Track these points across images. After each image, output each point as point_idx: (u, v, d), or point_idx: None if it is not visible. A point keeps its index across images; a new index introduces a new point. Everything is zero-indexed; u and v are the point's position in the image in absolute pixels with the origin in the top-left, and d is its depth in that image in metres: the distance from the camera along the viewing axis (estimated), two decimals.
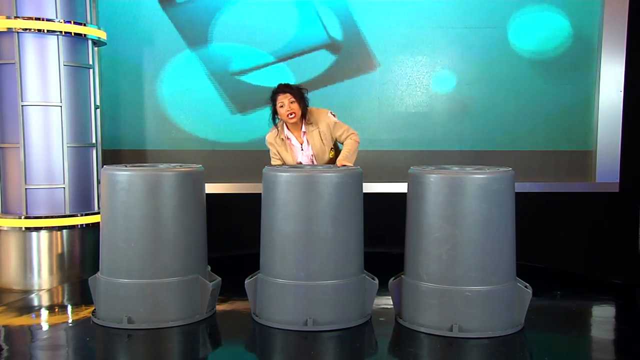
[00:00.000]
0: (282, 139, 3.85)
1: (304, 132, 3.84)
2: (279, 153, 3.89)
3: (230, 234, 5.02)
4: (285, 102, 3.72)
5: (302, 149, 3.85)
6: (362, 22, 5.26)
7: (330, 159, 3.91)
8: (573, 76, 5.29)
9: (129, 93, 5.25)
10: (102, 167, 3.40)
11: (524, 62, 5.28)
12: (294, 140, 3.86)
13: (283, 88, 3.77)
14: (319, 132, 3.82)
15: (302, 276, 3.15)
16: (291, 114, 3.73)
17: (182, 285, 3.27)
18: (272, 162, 3.93)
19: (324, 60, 5.27)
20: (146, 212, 3.21)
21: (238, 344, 3.19)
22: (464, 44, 5.28)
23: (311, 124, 3.83)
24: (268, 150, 3.97)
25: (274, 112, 3.82)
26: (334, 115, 3.89)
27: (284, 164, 3.90)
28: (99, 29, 4.53)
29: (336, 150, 3.96)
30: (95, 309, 3.39)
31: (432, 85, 5.33)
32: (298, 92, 3.77)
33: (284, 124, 3.85)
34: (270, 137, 3.90)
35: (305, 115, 3.80)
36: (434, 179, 3.09)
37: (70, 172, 4.34)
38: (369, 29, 5.26)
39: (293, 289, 3.16)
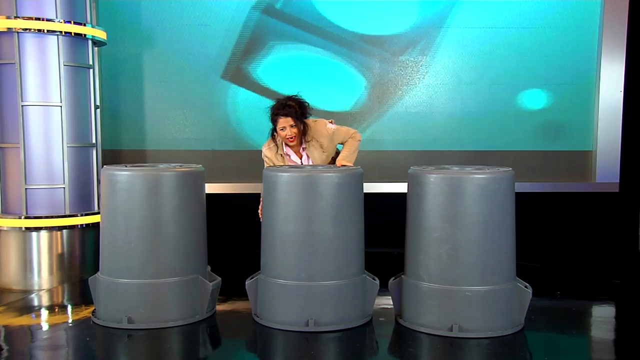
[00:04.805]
0: (282, 154, 3.82)
1: (304, 148, 3.82)
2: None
3: (230, 234, 5.02)
4: (287, 127, 3.66)
5: (302, 164, 3.84)
6: (363, 22, 5.27)
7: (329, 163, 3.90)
8: (573, 76, 5.30)
9: (129, 93, 5.26)
10: (102, 167, 3.40)
11: (524, 62, 5.28)
12: (293, 156, 3.84)
13: (284, 110, 3.66)
14: (320, 145, 3.79)
15: (303, 277, 3.14)
16: (291, 138, 3.70)
17: (182, 285, 3.28)
18: None
19: (324, 60, 5.28)
20: (146, 212, 3.21)
21: (238, 344, 3.19)
22: (464, 44, 5.28)
23: (311, 139, 3.78)
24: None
25: (274, 129, 3.76)
26: (332, 123, 3.85)
27: None
28: (99, 29, 4.53)
29: (335, 153, 3.94)
30: (95, 309, 3.39)
31: (432, 85, 5.33)
32: (297, 112, 3.68)
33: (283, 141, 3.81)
34: (269, 152, 3.83)
35: (305, 132, 3.76)
36: (434, 179, 3.09)
37: (70, 172, 4.34)
38: (370, 29, 5.27)
39: (294, 290, 3.16)
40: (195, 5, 5.22)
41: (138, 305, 3.20)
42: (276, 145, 3.82)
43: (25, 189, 4.23)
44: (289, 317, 3.17)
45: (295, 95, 3.80)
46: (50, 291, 4.20)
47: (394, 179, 5.12)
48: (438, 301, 3.09)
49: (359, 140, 3.82)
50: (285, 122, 3.67)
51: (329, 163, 3.87)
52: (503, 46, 5.27)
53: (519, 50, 5.27)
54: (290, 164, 3.82)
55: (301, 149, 3.83)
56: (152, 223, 3.22)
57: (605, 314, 3.79)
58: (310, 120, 3.81)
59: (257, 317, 3.32)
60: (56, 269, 4.33)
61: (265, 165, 3.85)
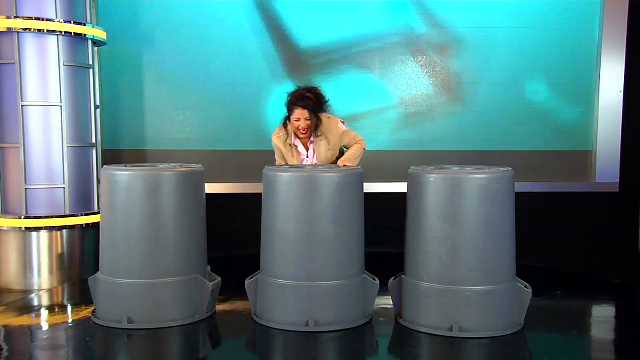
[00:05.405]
0: (290, 144, 3.85)
1: (312, 142, 3.84)
2: (284, 157, 3.89)
3: (231, 234, 5.02)
4: (302, 119, 3.68)
5: (307, 156, 3.85)
6: (363, 22, 5.26)
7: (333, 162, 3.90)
8: (573, 76, 5.29)
9: (129, 93, 5.25)
10: (102, 167, 3.40)
11: (524, 62, 5.28)
12: (300, 148, 3.86)
13: (303, 102, 3.67)
14: (328, 142, 3.81)
15: (303, 277, 3.14)
16: (304, 130, 3.72)
17: (182, 285, 3.27)
18: (277, 163, 3.93)
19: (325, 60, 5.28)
20: (146, 212, 3.21)
21: (238, 344, 3.19)
22: (464, 44, 5.28)
23: (320, 135, 3.80)
24: (268, 151, 3.96)
25: (288, 118, 3.78)
26: (343, 123, 3.88)
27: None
28: (99, 29, 4.53)
29: (340, 154, 3.95)
30: (95, 309, 3.39)
31: (433, 85, 5.33)
32: (315, 106, 3.70)
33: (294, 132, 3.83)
34: (278, 139, 3.86)
35: (318, 127, 3.78)
36: (434, 179, 3.09)
37: (70, 172, 4.34)
38: (370, 29, 5.27)
39: (294, 290, 3.16)
40: (195, 5, 5.22)
41: (138, 305, 3.20)
42: (287, 133, 3.84)
43: (25, 189, 4.23)
44: (289, 317, 3.17)
45: (315, 88, 3.81)
46: (50, 291, 4.20)
47: (394, 179, 5.12)
48: (438, 301, 3.09)
49: (364, 149, 3.89)
50: (301, 114, 3.68)
51: (332, 163, 3.88)
52: (503, 46, 5.27)
53: (519, 50, 5.27)
54: (296, 154, 3.85)
55: (309, 142, 3.83)
56: (152, 223, 3.22)
57: (605, 314, 3.79)
58: (324, 116, 3.83)
59: (257, 317, 3.32)
60: (56, 269, 4.33)
61: (276, 156, 3.92)
